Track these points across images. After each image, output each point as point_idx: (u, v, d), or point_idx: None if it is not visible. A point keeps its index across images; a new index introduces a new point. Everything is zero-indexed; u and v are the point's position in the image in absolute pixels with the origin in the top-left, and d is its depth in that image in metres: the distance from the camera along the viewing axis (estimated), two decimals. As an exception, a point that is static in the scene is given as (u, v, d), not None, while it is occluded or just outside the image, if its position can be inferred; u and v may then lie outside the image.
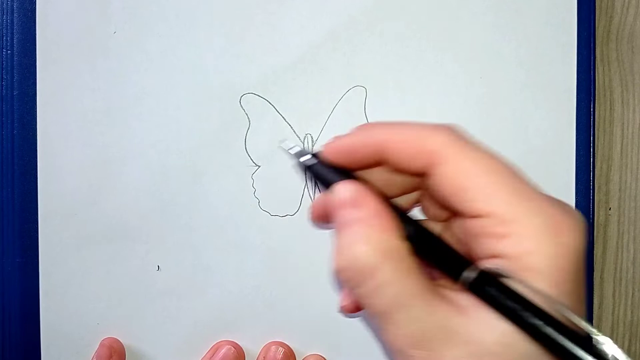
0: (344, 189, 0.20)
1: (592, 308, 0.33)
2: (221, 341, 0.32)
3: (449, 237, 0.22)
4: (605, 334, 0.17)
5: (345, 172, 0.21)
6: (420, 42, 0.33)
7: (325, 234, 0.33)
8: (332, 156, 0.22)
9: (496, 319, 0.18)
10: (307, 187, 0.33)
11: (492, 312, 0.18)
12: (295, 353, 0.33)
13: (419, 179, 0.21)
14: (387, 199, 0.20)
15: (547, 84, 0.33)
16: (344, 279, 0.19)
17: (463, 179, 0.19)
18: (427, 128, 0.20)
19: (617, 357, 0.17)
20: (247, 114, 0.33)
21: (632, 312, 0.36)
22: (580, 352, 0.17)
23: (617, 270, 0.36)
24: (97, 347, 0.32)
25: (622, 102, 0.36)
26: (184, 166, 0.33)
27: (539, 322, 0.17)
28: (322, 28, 0.33)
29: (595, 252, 0.34)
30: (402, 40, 0.33)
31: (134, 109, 0.32)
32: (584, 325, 0.17)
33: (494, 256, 0.18)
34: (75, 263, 0.32)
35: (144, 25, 0.33)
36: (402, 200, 0.23)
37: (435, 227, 0.23)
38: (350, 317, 0.33)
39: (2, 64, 0.32)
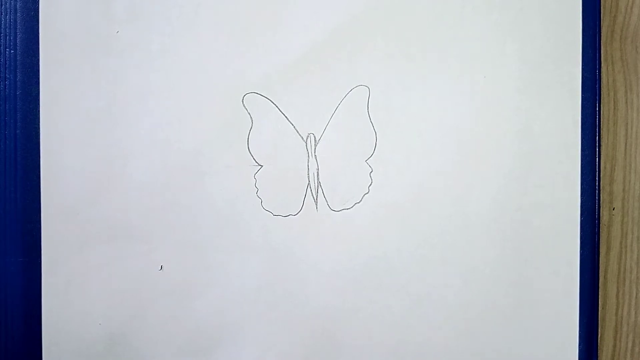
0: None
1: (596, 308, 0.33)
2: None
3: None
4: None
5: None
6: (424, 41, 0.33)
7: (327, 234, 0.33)
8: None
9: None
10: (310, 187, 0.33)
11: None
12: (296, 353, 0.33)
13: None
14: None
15: (552, 84, 0.33)
16: None
17: None
18: None
19: None
20: (249, 114, 0.33)
21: (635, 313, 0.36)
22: None
23: (620, 271, 0.36)
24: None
25: (626, 102, 0.36)
26: (187, 166, 0.32)
27: None
28: (325, 27, 0.33)
29: (599, 252, 0.34)
30: (406, 39, 0.33)
31: (136, 109, 0.32)
32: None
33: None
34: (77, 262, 0.32)
35: (146, 25, 0.33)
36: None
37: None
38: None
39: (5, 64, 0.32)
